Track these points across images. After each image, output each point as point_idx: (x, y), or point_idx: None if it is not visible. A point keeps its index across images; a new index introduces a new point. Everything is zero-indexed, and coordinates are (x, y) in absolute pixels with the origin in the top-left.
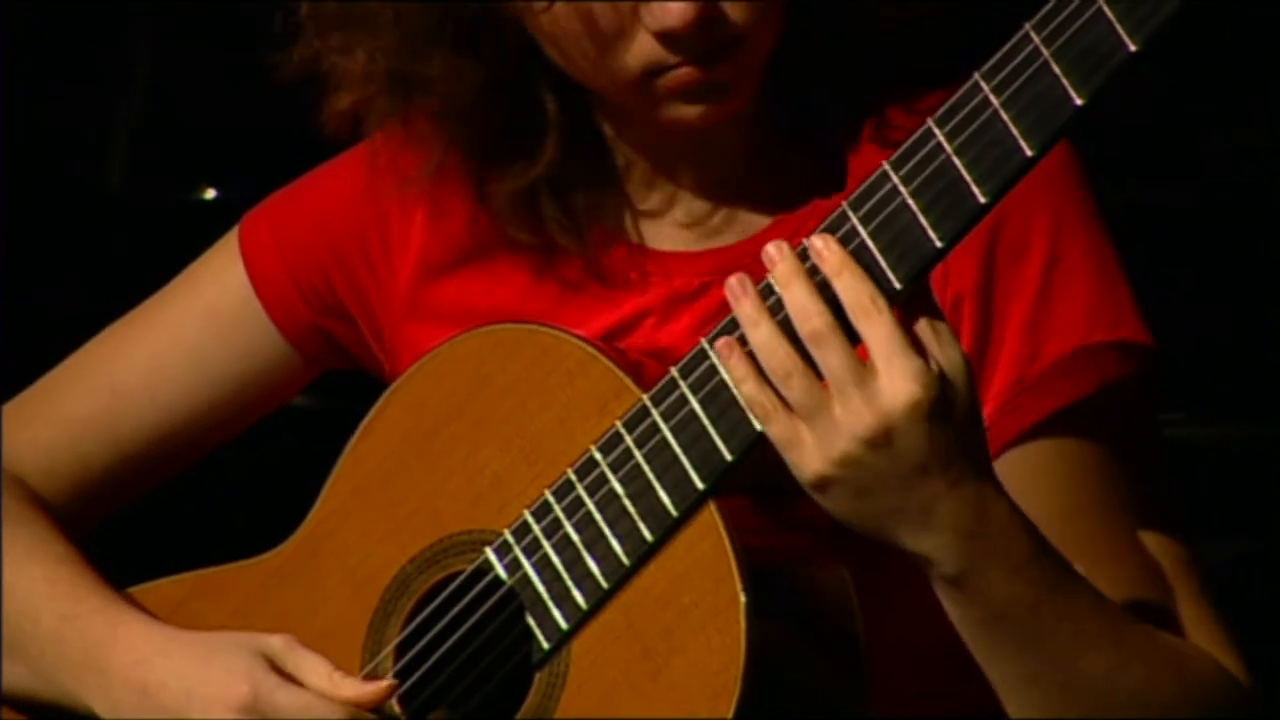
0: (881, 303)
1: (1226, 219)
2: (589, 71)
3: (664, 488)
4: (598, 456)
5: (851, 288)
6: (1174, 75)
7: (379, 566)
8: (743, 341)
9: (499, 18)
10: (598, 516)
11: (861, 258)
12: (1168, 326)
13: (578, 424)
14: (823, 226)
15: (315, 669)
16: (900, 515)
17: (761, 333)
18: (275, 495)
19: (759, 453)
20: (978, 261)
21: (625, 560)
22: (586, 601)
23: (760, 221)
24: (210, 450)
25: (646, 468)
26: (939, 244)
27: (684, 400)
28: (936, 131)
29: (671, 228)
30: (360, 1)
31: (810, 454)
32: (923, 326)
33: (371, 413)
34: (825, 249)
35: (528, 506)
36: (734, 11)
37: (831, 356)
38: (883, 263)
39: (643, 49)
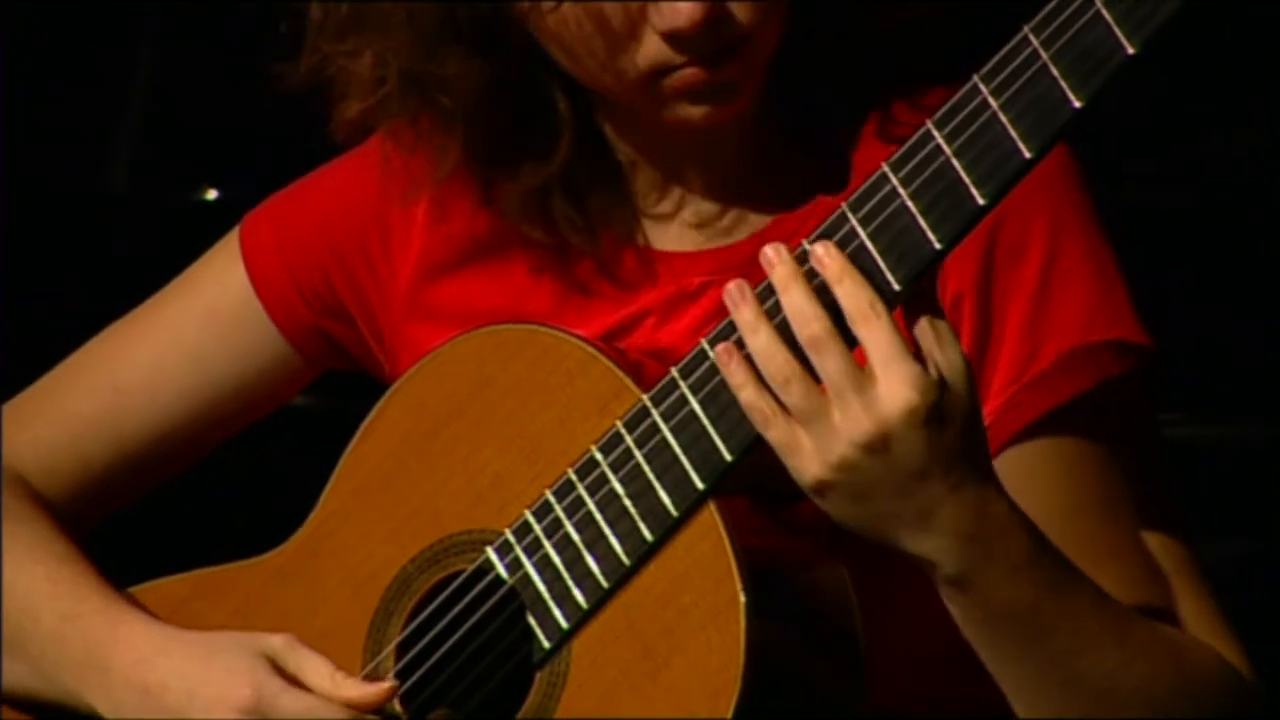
0: (881, 308)
1: (1226, 219)
2: (595, 72)
3: (664, 488)
4: (598, 456)
5: (852, 294)
6: (1173, 76)
7: (380, 566)
8: (741, 346)
9: (509, 17)
10: (598, 516)
11: (861, 259)
12: (1168, 326)
13: (578, 424)
14: (822, 228)
15: (317, 669)
16: (899, 519)
17: (760, 339)
18: (276, 495)
19: (758, 453)
20: (977, 262)
21: (625, 560)
22: (587, 601)
23: (762, 220)
24: (210, 450)
25: (647, 468)
26: (938, 245)
27: (684, 400)
28: (935, 133)
29: (678, 228)
30: (373, 2)
31: (809, 459)
32: (924, 327)
33: (372, 413)
34: (826, 255)
35: (528, 506)
36: (740, 12)
37: (830, 362)
38: (882, 264)
39: (650, 49)
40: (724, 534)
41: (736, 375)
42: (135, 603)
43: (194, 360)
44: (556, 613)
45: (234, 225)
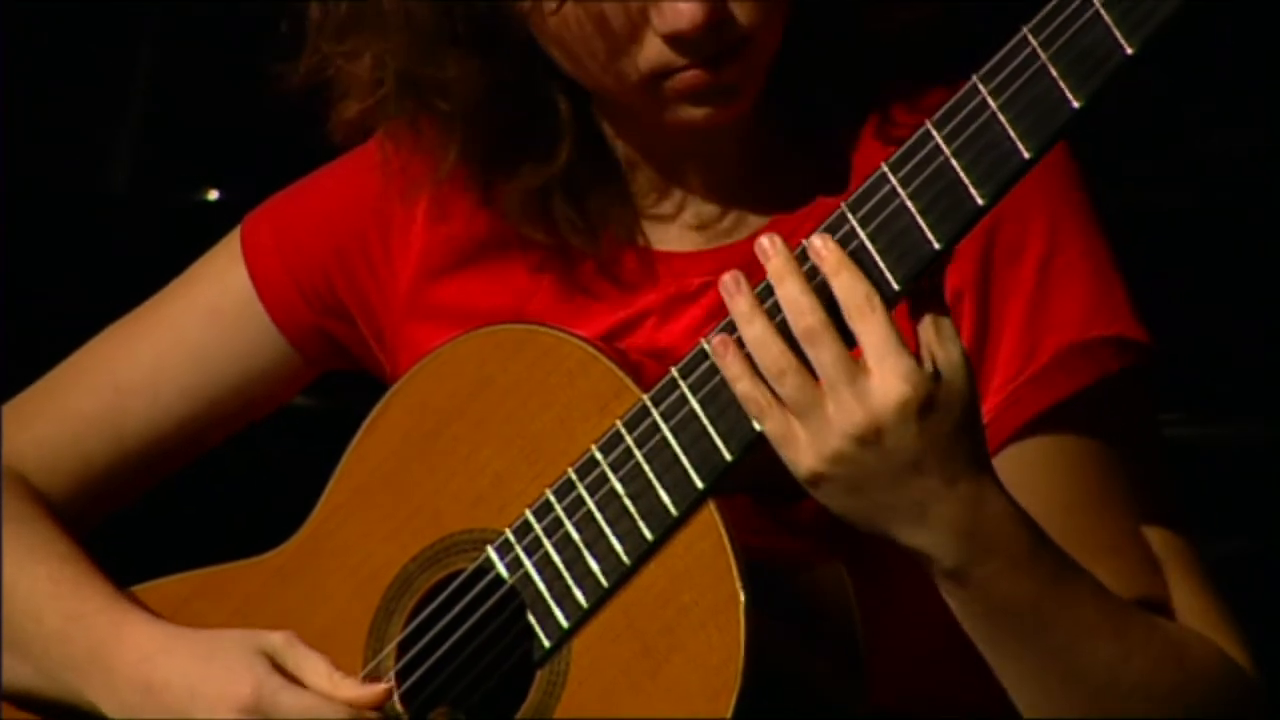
0: (877, 302)
1: (1226, 219)
2: (596, 74)
3: (664, 487)
4: (598, 456)
5: (849, 286)
6: (1172, 76)
7: (381, 565)
8: (739, 340)
9: (508, 19)
10: (598, 516)
11: (860, 259)
12: (1168, 326)
13: (578, 424)
14: (822, 228)
15: (315, 668)
16: (894, 511)
17: (755, 329)
18: (277, 495)
19: (758, 452)
20: (976, 260)
21: (625, 559)
22: (587, 600)
23: (762, 221)
24: (209, 449)
25: (647, 467)
26: (937, 245)
27: (684, 400)
28: (935, 133)
29: (678, 229)
30: (371, 3)
31: (804, 450)
32: (926, 322)
33: (373, 413)
34: (824, 248)
35: (529, 506)
36: (741, 14)
37: (824, 354)
38: (881, 264)
39: (651, 52)
40: (723, 533)
41: (732, 367)
42: (138, 602)
43: (195, 360)
44: (557, 611)
45: (235, 225)
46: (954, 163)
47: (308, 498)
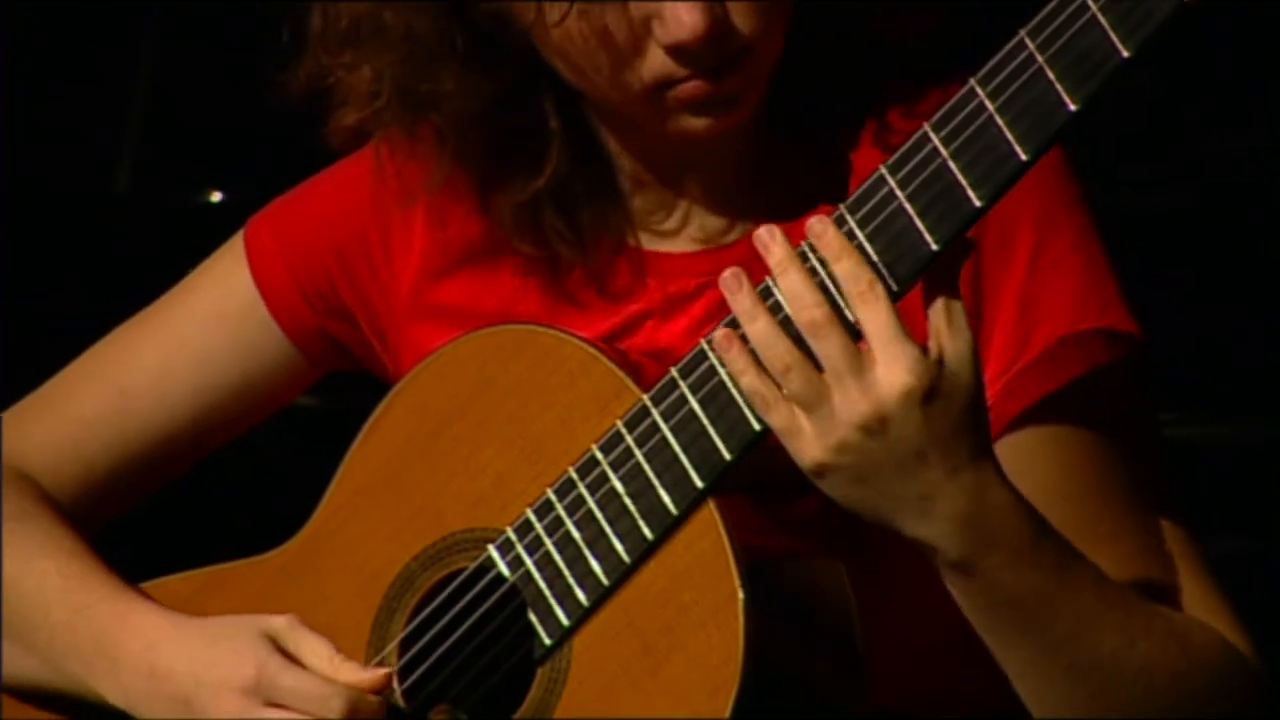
0: (880, 289)
1: (1225, 219)
2: (599, 84)
3: (664, 486)
4: (599, 456)
5: (851, 273)
6: (1170, 78)
7: (383, 564)
8: (742, 336)
9: (507, 33)
10: (599, 515)
11: None
12: (1168, 326)
13: (579, 424)
14: None
15: (316, 650)
16: (899, 501)
17: (759, 326)
18: (280, 494)
19: (757, 452)
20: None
21: (626, 558)
22: (588, 598)
23: (760, 224)
24: (213, 451)
25: (647, 467)
26: (935, 246)
27: (683, 400)
28: (933, 136)
29: (676, 234)
30: (371, 15)
31: (810, 442)
32: (938, 307)
33: (376, 413)
34: (825, 232)
35: (530, 505)
36: (743, 25)
37: (829, 345)
38: (880, 265)
39: (653, 63)
40: (723, 532)
41: (737, 362)
42: (143, 595)
43: (199, 363)
44: (557, 610)
45: (237, 228)
46: (952, 164)
47: (310, 497)
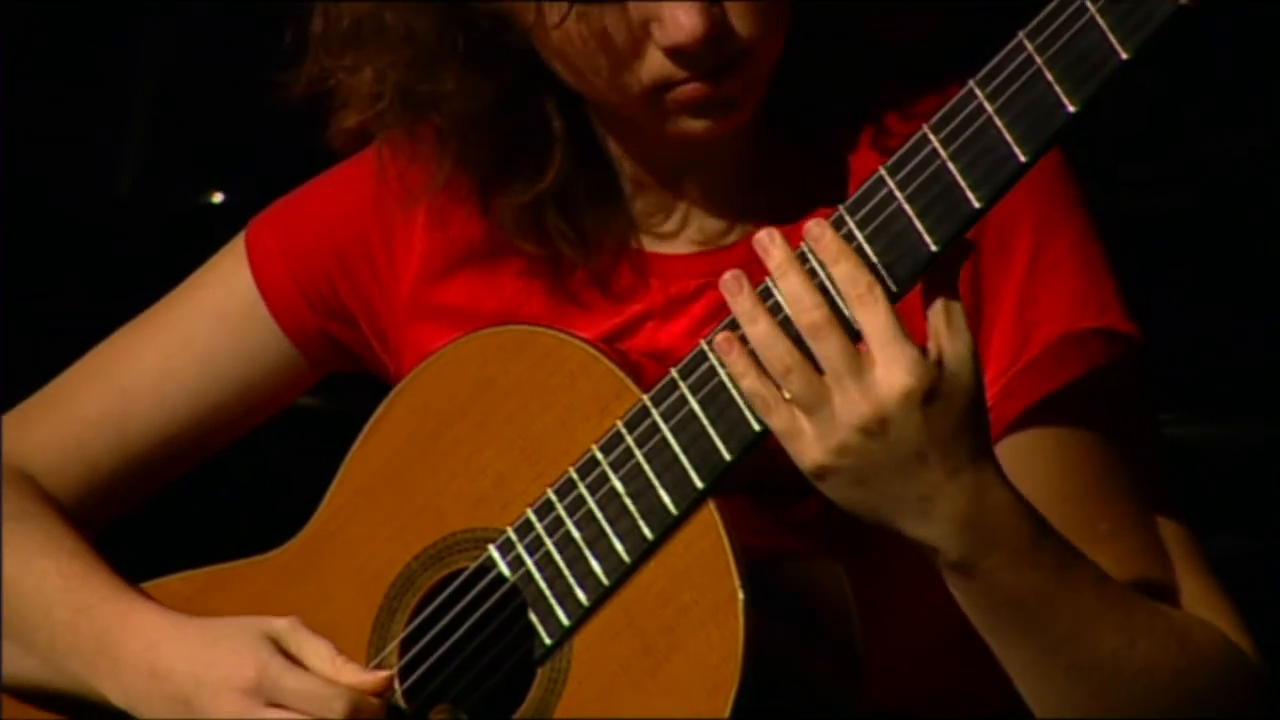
0: (879, 291)
1: (1225, 219)
2: (600, 87)
3: (664, 487)
4: (599, 456)
5: (849, 275)
6: (1170, 79)
7: (384, 563)
8: (742, 337)
9: (507, 34)
10: (599, 515)
11: None
12: (1168, 326)
13: (579, 424)
14: None
15: (318, 651)
16: (900, 503)
17: (759, 328)
18: (282, 494)
19: (757, 452)
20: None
21: (626, 558)
22: (588, 598)
23: (759, 226)
24: (214, 452)
25: (647, 467)
26: (934, 247)
27: (683, 401)
28: (932, 138)
29: (676, 236)
30: (372, 16)
31: (810, 444)
32: (938, 309)
33: (377, 413)
34: (823, 235)
35: (530, 505)
36: (741, 28)
37: (829, 347)
38: (879, 266)
39: (653, 65)
40: (723, 532)
41: (737, 364)
42: (145, 595)
43: (200, 364)
44: (558, 610)
45: (239, 229)
46: (951, 166)
47: (311, 497)
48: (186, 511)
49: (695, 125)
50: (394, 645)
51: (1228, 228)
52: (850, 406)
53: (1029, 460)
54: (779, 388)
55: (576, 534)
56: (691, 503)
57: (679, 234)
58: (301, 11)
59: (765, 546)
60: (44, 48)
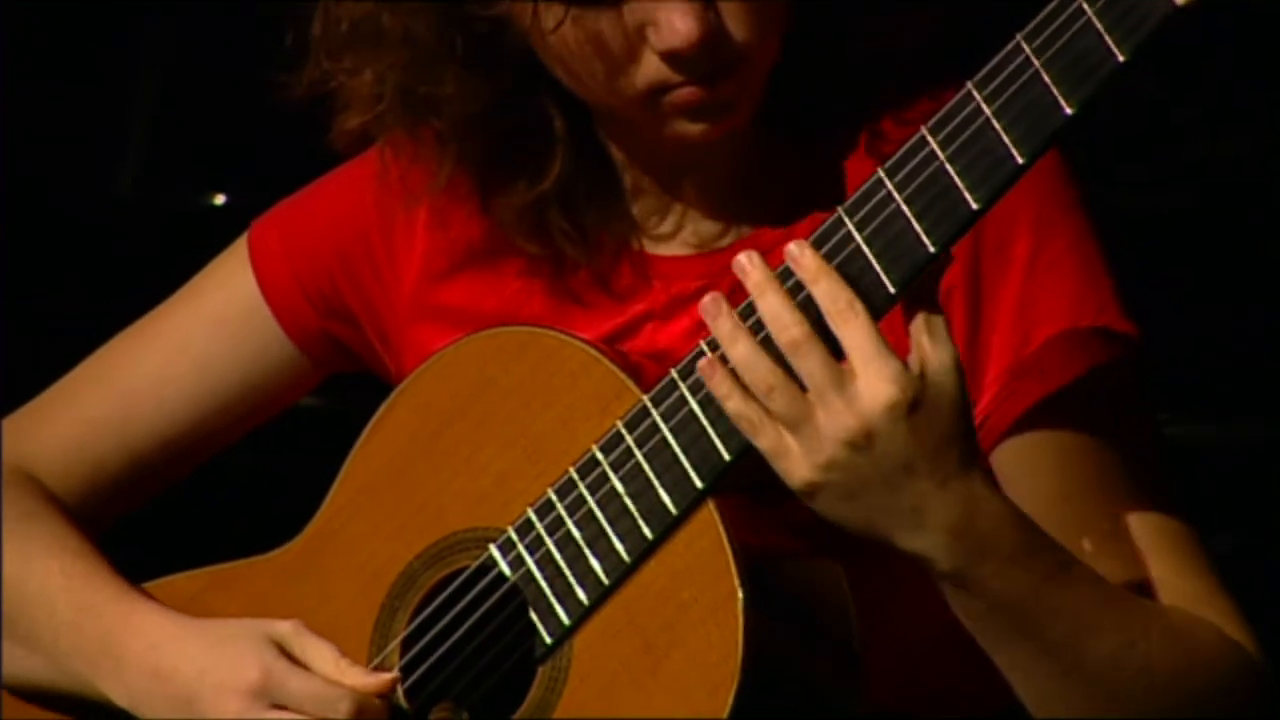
0: (859, 307)
1: (1225, 219)
2: (596, 89)
3: (664, 486)
4: (599, 456)
5: (829, 293)
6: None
7: (385, 563)
8: (724, 358)
9: (506, 35)
10: (599, 514)
11: (856, 262)
12: (1168, 326)
13: (580, 424)
14: (818, 233)
15: (322, 654)
16: (890, 515)
17: (740, 350)
18: (283, 493)
19: (756, 453)
20: (965, 256)
21: (626, 557)
22: (588, 597)
23: (757, 228)
24: (218, 452)
25: (647, 467)
26: (932, 249)
27: (683, 401)
28: (930, 139)
29: (674, 238)
30: (370, 19)
31: (797, 462)
32: (919, 323)
33: (378, 413)
34: (801, 255)
35: (531, 504)
36: (737, 32)
37: (810, 363)
38: (877, 267)
39: (649, 69)
40: (722, 531)
41: (721, 386)
42: (148, 595)
43: (203, 365)
44: (558, 609)
45: (240, 231)
46: (949, 167)
47: (313, 497)
48: (188, 511)
49: (691, 128)
50: (395, 644)
51: (1227, 228)
52: (835, 421)
53: (1029, 461)
54: (765, 408)
55: (577, 533)
56: (691, 503)
57: (676, 235)
58: (302, 12)
59: (765, 546)
60: (44, 48)
